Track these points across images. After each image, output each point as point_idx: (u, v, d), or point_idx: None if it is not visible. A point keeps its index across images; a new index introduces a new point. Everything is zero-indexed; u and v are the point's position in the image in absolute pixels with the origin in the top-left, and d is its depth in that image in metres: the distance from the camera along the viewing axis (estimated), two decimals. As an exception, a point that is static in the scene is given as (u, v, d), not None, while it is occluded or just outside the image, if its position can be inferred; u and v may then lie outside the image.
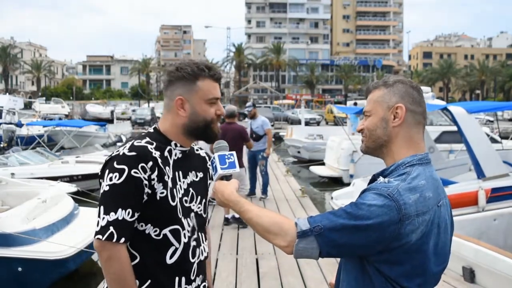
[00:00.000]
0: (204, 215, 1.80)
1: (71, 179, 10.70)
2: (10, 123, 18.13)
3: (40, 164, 11.57)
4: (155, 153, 1.58)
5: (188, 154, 1.73)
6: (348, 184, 9.42)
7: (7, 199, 6.73)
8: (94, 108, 43.64)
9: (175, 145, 1.68)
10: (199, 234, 1.74)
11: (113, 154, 1.58)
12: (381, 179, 1.41)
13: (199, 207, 1.75)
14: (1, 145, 16.40)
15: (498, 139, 11.82)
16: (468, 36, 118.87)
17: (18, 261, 4.99)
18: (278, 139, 25.13)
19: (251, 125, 8.70)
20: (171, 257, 1.61)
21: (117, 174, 1.52)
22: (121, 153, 1.55)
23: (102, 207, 1.53)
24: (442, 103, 13.33)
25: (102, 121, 24.72)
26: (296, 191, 9.97)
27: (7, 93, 35.81)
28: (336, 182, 12.47)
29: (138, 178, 1.52)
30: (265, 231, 1.42)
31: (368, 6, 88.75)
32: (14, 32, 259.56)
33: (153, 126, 1.74)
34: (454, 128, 7.81)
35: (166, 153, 1.64)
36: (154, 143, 1.61)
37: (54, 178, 9.77)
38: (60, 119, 26.19)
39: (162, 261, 1.60)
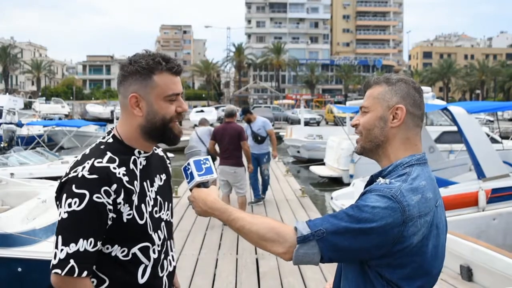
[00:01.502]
0: (172, 220, 1.68)
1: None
2: (11, 123, 18.13)
3: (40, 164, 11.57)
4: (119, 173, 1.42)
5: (150, 158, 1.59)
6: (348, 184, 9.42)
7: (7, 199, 6.71)
8: (94, 108, 43.61)
9: (139, 153, 1.53)
10: (167, 243, 1.62)
11: (70, 176, 1.40)
12: (381, 180, 1.37)
13: (167, 214, 1.63)
14: (2, 145, 16.39)
15: (498, 139, 11.82)
16: (468, 36, 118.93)
17: (18, 261, 4.98)
18: (278, 139, 25.07)
19: (251, 127, 8.41)
20: (142, 276, 1.48)
21: (76, 200, 1.35)
22: (79, 175, 1.38)
23: (60, 237, 1.36)
24: (442, 103, 13.32)
25: (102, 121, 24.70)
26: (296, 191, 9.96)
27: (7, 93, 35.76)
28: (336, 182, 12.47)
29: (101, 203, 1.37)
30: (260, 239, 1.35)
31: (368, 6, 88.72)
32: (14, 32, 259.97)
33: (111, 133, 1.55)
34: (454, 128, 7.81)
35: (131, 166, 1.49)
36: (117, 159, 1.45)
37: (54, 178, 9.75)
38: (60, 119, 26.18)
39: (134, 281, 1.48)
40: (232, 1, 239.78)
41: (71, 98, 66.12)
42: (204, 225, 7.12)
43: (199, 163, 1.51)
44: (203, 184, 1.50)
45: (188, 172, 1.50)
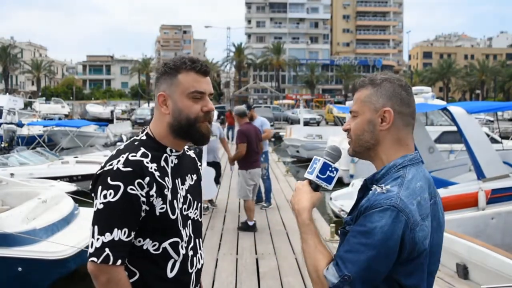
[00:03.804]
0: (200, 220, 1.73)
1: (71, 179, 10.71)
2: (11, 123, 18.11)
3: (40, 164, 11.57)
4: (151, 167, 1.48)
5: (181, 158, 1.64)
6: (348, 184, 9.41)
7: (7, 199, 6.73)
8: (94, 108, 43.60)
9: (171, 151, 1.59)
10: (196, 241, 1.66)
11: (105, 168, 1.46)
12: (377, 189, 1.33)
13: (195, 213, 1.67)
14: (2, 145, 16.38)
15: (498, 139, 11.82)
16: (468, 36, 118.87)
17: (18, 261, 4.99)
18: (278, 139, 25.15)
19: None
20: (171, 270, 1.53)
21: (111, 191, 1.41)
22: (115, 168, 1.44)
23: (96, 227, 1.42)
24: (442, 103, 13.34)
25: (103, 121, 24.67)
26: (296, 191, 9.93)
27: (7, 93, 35.75)
28: (336, 182, 12.43)
29: (134, 195, 1.43)
30: (308, 270, 1.40)
31: (368, 6, 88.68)
32: (14, 32, 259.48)
33: (145, 131, 1.62)
34: (455, 128, 7.81)
35: (162, 163, 1.54)
36: (150, 155, 1.51)
37: (54, 178, 9.77)
38: (60, 119, 26.15)
39: (163, 275, 1.52)
40: (232, 1, 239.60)
41: (71, 98, 66.09)
42: (204, 225, 7.11)
43: (327, 167, 1.48)
44: (315, 185, 1.48)
45: (314, 165, 1.49)
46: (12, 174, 9.89)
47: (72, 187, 9.08)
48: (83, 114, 42.73)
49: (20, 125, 17.73)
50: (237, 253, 5.83)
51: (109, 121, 29.20)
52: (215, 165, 7.89)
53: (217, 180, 7.93)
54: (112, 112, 35.16)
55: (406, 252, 1.28)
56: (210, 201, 8.17)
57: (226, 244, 6.21)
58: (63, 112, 37.66)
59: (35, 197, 6.06)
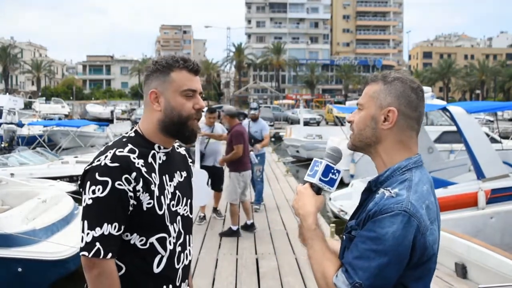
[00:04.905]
0: (191, 216, 1.74)
1: (71, 179, 10.71)
2: (11, 123, 18.12)
3: (40, 164, 11.58)
4: (138, 163, 1.50)
5: (170, 154, 1.67)
6: (348, 184, 9.40)
7: (7, 199, 6.72)
8: (94, 108, 43.70)
9: (159, 147, 1.61)
10: (186, 237, 1.68)
11: (93, 164, 1.48)
12: (385, 192, 1.30)
13: (185, 209, 1.69)
14: (2, 145, 16.39)
15: (498, 139, 11.82)
16: (468, 36, 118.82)
17: (18, 261, 4.99)
18: (278, 139, 25.17)
19: (249, 127, 8.02)
20: (158, 265, 1.55)
21: (100, 186, 1.44)
22: (102, 164, 1.46)
23: (86, 222, 1.45)
24: (442, 103, 13.34)
25: (103, 121, 24.67)
26: (296, 191, 9.93)
27: (7, 93, 35.73)
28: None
29: (122, 190, 1.45)
30: (315, 277, 1.37)
31: (368, 6, 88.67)
32: (14, 32, 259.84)
33: (134, 129, 1.66)
34: (455, 128, 7.80)
35: (150, 159, 1.56)
36: (137, 151, 1.53)
37: (54, 178, 9.78)
38: (60, 119, 26.16)
39: (149, 270, 1.55)
40: (232, 1, 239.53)
41: (71, 98, 66.12)
42: (204, 225, 7.12)
43: (330, 170, 1.45)
44: (317, 188, 1.46)
45: (315, 168, 1.47)
46: (12, 174, 9.89)
47: (72, 187, 9.07)
48: (83, 114, 42.80)
49: (20, 125, 17.73)
50: (237, 253, 5.83)
51: (109, 121, 29.19)
52: (216, 170, 7.41)
53: (219, 187, 7.53)
54: (112, 112, 35.18)
55: (416, 257, 1.26)
56: (215, 211, 7.64)
57: (226, 244, 6.21)
58: (63, 112, 37.69)
59: (35, 197, 6.07)
